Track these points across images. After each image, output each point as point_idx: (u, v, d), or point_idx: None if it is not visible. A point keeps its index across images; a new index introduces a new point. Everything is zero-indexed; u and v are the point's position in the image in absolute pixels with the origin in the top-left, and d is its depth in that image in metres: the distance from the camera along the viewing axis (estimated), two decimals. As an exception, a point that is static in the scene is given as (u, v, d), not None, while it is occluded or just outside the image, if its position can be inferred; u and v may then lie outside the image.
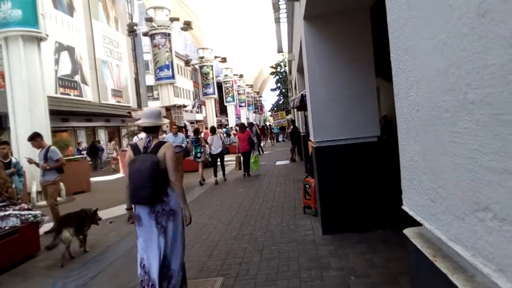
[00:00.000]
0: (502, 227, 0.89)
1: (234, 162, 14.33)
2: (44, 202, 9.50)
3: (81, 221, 5.95)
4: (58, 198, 11.55)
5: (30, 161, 7.51)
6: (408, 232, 1.60)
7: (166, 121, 4.50)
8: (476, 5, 0.91)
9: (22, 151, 10.47)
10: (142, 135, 10.73)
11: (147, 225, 3.67)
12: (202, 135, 15.71)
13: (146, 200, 3.59)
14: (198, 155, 12.70)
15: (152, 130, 3.88)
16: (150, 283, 3.58)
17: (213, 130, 13.49)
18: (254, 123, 29.42)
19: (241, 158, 13.48)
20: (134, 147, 3.80)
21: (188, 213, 3.77)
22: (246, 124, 16.60)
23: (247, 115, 56.31)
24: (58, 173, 7.47)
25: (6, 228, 5.80)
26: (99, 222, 6.48)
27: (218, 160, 12.85)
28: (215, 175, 12.63)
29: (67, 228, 5.63)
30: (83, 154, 20.41)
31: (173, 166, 3.72)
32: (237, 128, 16.56)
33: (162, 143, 3.82)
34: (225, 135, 21.92)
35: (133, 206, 3.78)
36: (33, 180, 10.86)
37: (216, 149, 12.61)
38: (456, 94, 1.05)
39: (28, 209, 6.32)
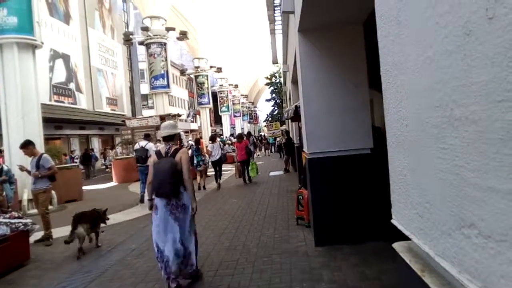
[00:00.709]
0: (487, 244, 0.90)
1: (234, 170, 15.37)
2: (35, 210, 9.40)
3: (94, 219, 6.53)
4: (50, 207, 11.47)
5: (22, 168, 7.44)
6: (397, 246, 1.60)
7: (179, 130, 5.38)
8: (461, 24, 0.92)
9: (14, 158, 10.39)
10: (143, 143, 11.46)
11: (162, 215, 4.52)
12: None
13: (167, 193, 4.49)
14: (201, 163, 13.29)
15: (170, 139, 4.88)
16: (164, 259, 4.43)
17: (213, 139, 14.29)
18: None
19: (241, 166, 14.20)
20: (158, 152, 4.84)
21: (195, 205, 4.70)
22: (243, 134, 17.24)
23: (241, 125, 56.33)
24: (50, 181, 7.40)
25: (-4, 236, 5.73)
26: (107, 222, 7.02)
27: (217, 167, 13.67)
28: (216, 181, 13.54)
29: (82, 225, 6.17)
30: (76, 162, 20.28)
31: (186, 167, 4.66)
32: (231, 138, 17.16)
33: (178, 149, 4.82)
34: (221, 144, 22.32)
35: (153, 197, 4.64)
36: (24, 188, 10.74)
37: (216, 156, 13.55)
38: (442, 110, 1.06)
39: (19, 217, 6.26)
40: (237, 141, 14.61)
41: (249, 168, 14.11)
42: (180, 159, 4.64)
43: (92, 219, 6.47)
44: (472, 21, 0.88)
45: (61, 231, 7.43)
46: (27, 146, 7.38)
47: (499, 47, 0.80)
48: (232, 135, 32.78)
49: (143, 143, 11.52)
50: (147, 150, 11.07)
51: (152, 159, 4.84)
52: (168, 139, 4.88)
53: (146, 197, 5.19)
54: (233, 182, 14.63)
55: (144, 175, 9.76)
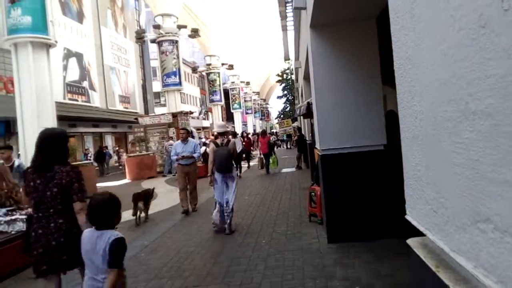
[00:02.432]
0: (503, 238, 0.89)
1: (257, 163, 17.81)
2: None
3: (146, 197, 8.59)
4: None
5: None
6: (411, 242, 1.59)
7: (228, 128, 7.04)
8: (476, 17, 0.91)
9: (29, 156, 10.54)
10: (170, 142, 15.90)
11: (219, 184, 6.95)
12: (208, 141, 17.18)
13: (225, 170, 6.89)
14: None
15: (223, 134, 7.38)
16: (222, 209, 6.82)
17: (234, 134, 16.55)
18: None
19: (263, 159, 16.38)
20: (216, 143, 7.08)
21: (237, 175, 7.39)
22: (266, 131, 20.07)
23: (253, 122, 56.36)
24: None
25: (13, 232, 5.83)
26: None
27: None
28: (238, 170, 14.98)
29: (140, 201, 8.31)
30: (90, 159, 20.52)
31: (235, 154, 7.30)
32: (245, 134, 18.67)
33: (229, 140, 7.25)
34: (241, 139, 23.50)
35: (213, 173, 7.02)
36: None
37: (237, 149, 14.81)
38: (457, 104, 1.05)
39: (35, 214, 6.35)
40: (261, 136, 16.89)
41: (270, 162, 16.03)
42: (232, 147, 7.10)
43: (145, 196, 8.52)
44: (487, 13, 0.87)
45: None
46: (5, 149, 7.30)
47: (515, 39, 0.79)
48: (244, 132, 32.89)
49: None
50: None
51: (211, 147, 7.14)
52: (222, 134, 7.39)
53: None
54: (257, 173, 16.71)
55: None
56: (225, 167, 6.86)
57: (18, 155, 12.33)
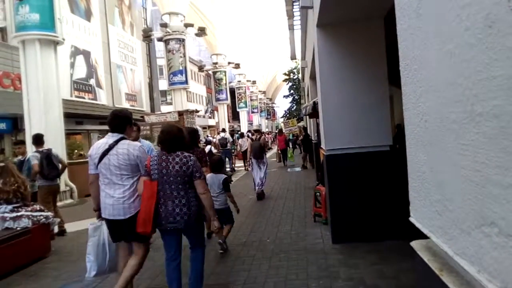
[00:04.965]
0: (507, 243, 0.87)
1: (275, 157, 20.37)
2: (59, 203, 9.56)
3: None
4: (70, 200, 11.71)
5: None
6: (415, 244, 1.57)
7: (261, 128, 13.97)
8: (483, 16, 0.89)
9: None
10: (222, 134, 18.19)
11: (255, 166, 10.23)
12: (215, 140, 19.36)
13: (259, 157, 10.30)
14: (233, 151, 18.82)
15: (257, 132, 13.06)
16: (256, 183, 10.12)
17: (242, 135, 20.09)
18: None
19: (281, 153, 19.05)
20: (252, 139, 11.88)
21: (267, 161, 10.94)
22: (283, 130, 22.51)
23: (259, 121, 56.31)
24: (42, 179, 7.37)
25: (18, 229, 5.86)
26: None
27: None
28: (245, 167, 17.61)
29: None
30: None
31: (266, 146, 11.57)
32: (249, 134, 20.34)
33: (260, 136, 11.58)
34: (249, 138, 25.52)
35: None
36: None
37: (243, 147, 17.03)
38: (463, 105, 1.03)
39: (40, 210, 6.38)
40: (278, 134, 19.87)
41: (288, 156, 18.95)
42: (263, 141, 10.99)
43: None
44: (494, 13, 0.85)
45: (81, 225, 7.57)
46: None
47: (523, 39, 0.77)
48: (249, 131, 32.93)
49: (222, 134, 18.07)
50: (226, 138, 17.18)
51: (249, 142, 11.82)
52: (256, 131, 13.13)
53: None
54: (274, 166, 18.41)
55: (224, 154, 15.62)
56: (258, 155, 10.34)
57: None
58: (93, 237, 4.01)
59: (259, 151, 10.27)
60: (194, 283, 3.82)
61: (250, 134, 19.26)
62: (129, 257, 3.95)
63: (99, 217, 4.00)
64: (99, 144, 3.91)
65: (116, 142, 3.83)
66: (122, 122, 4.01)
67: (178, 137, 3.82)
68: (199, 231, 3.99)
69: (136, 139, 5.40)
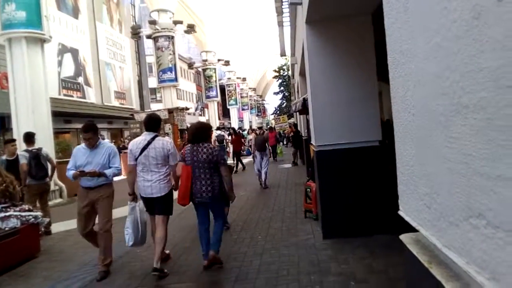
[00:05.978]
0: (495, 234, 0.87)
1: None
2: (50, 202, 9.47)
3: None
4: (60, 200, 11.59)
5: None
6: (404, 238, 1.58)
7: (263, 125, 14.60)
8: (470, 8, 0.89)
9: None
10: (219, 131, 18.76)
11: (259, 158, 11.66)
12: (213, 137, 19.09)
13: (262, 149, 11.76)
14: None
15: (260, 128, 14.53)
16: (261, 175, 11.51)
17: (250, 131, 22.29)
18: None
19: (271, 150, 19.28)
20: (256, 133, 13.09)
21: (269, 153, 13.89)
22: (272, 127, 23.27)
23: (249, 119, 56.22)
24: (30, 178, 7.30)
25: (6, 229, 5.78)
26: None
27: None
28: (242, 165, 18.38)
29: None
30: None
31: (269, 140, 13.35)
32: (253, 130, 21.82)
33: (263, 132, 13.65)
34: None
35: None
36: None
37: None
38: (450, 98, 1.04)
39: (29, 210, 6.31)
40: (269, 131, 19.79)
41: (278, 151, 20.30)
42: (265, 136, 12.51)
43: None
44: (481, 4, 0.85)
45: (70, 224, 7.49)
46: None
47: (509, 30, 0.77)
48: (240, 128, 32.89)
49: (219, 131, 18.68)
50: (223, 135, 17.70)
51: (253, 136, 13.64)
52: (260, 128, 14.45)
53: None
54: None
55: (222, 151, 15.99)
56: (262, 148, 11.73)
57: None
58: (131, 215, 5.07)
59: (262, 144, 11.84)
60: (215, 241, 4.88)
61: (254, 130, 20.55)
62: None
63: (133, 200, 5.08)
64: (138, 141, 4.98)
65: (153, 138, 4.93)
66: (155, 124, 5.18)
67: (205, 130, 5.14)
68: (220, 206, 5.12)
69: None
